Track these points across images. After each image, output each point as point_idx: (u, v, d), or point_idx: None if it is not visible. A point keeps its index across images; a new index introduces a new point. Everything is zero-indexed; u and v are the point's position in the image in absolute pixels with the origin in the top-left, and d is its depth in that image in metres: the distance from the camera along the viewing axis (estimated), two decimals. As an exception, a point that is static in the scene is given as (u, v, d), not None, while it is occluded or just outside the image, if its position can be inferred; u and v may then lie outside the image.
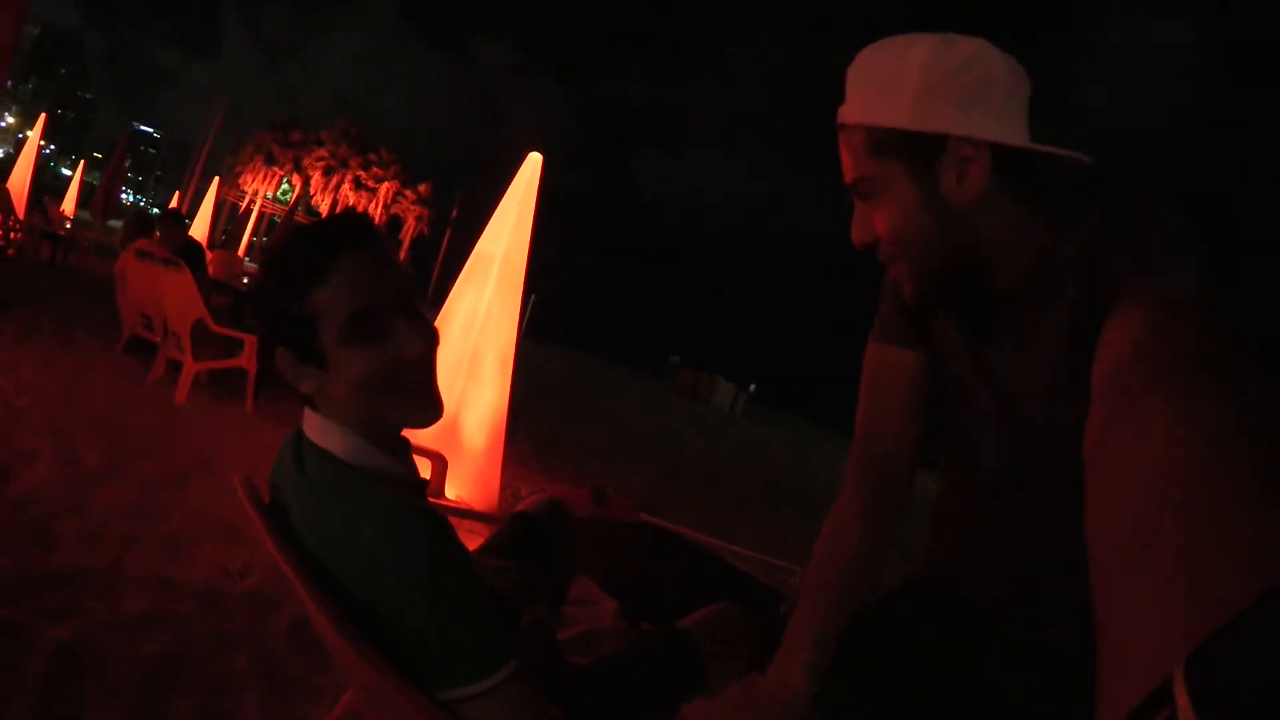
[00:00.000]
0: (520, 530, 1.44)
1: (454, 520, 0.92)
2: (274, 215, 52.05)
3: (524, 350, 4.99)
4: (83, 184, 22.41)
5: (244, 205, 50.20)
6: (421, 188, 52.57)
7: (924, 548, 1.22)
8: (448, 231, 46.55)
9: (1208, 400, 0.40)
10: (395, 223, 50.83)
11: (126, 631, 1.88)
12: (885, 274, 1.05)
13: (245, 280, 8.93)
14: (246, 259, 20.17)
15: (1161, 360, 0.45)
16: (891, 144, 0.91)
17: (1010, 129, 0.90)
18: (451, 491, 3.84)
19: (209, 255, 8.11)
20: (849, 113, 0.95)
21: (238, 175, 50.83)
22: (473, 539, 3.01)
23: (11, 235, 8.96)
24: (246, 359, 4.76)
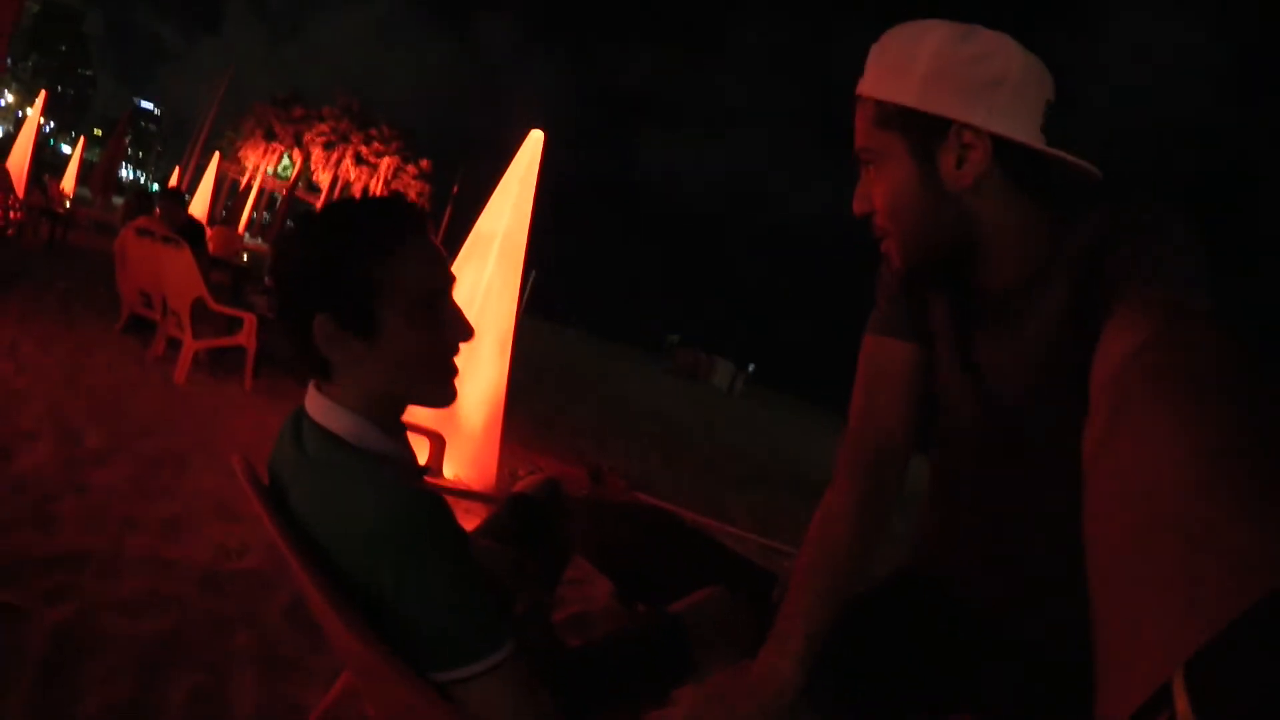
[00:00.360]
0: (518, 511, 1.44)
1: (451, 500, 0.92)
2: (274, 191, 51.93)
3: (523, 327, 4.99)
4: (83, 161, 22.31)
5: (244, 181, 50.05)
6: (423, 163, 52.42)
7: (913, 537, 1.23)
8: (449, 207, 46.46)
9: (1211, 409, 0.40)
10: (396, 198, 50.80)
11: (125, 612, 1.89)
12: (881, 260, 1.06)
13: (244, 258, 8.91)
14: (246, 235, 20.16)
15: (1165, 369, 0.45)
16: (896, 119, 0.94)
17: (1017, 125, 0.91)
18: (449, 471, 3.85)
19: (209, 232, 8.09)
20: (864, 85, 0.98)
21: (238, 149, 50.68)
22: (470, 519, 3.03)
23: (11, 215, 8.93)
24: (246, 337, 4.75)
